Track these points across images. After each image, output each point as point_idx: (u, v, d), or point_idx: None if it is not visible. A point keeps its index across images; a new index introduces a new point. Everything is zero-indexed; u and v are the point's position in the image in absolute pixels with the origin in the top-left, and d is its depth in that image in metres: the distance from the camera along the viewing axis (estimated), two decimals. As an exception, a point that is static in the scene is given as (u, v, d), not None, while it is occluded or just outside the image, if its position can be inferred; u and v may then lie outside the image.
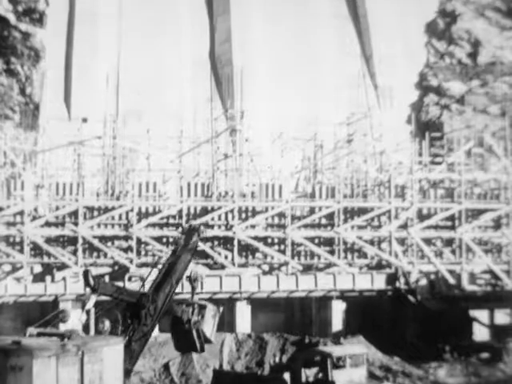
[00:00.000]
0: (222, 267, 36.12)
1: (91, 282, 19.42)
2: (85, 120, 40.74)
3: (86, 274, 19.42)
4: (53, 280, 34.04)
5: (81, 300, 32.16)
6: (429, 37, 53.55)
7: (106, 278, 33.62)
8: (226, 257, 36.50)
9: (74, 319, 22.55)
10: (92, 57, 44.53)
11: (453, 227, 38.52)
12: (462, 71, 50.84)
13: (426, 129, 46.59)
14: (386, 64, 50.57)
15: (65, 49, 44.49)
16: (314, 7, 51.72)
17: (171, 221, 36.36)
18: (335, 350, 26.44)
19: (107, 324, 20.22)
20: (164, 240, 36.38)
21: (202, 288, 34.83)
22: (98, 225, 35.04)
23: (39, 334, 18.45)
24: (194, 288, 22.51)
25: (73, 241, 34.89)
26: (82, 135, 39.05)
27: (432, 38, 53.36)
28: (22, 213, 34.08)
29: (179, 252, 21.86)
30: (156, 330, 26.92)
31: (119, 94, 44.00)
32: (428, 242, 38.12)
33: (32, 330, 18.68)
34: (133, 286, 32.41)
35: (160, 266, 22.28)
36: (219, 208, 36.35)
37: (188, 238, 22.08)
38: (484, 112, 47.57)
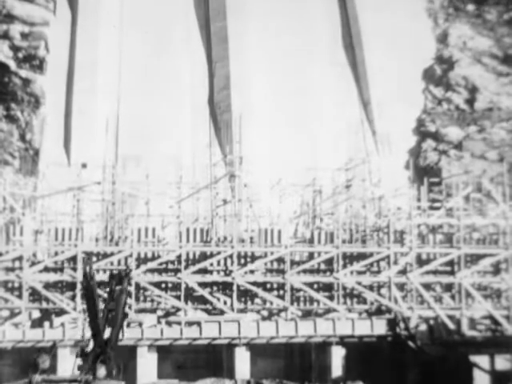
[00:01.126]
0: (221, 313, 36.02)
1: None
2: (84, 166, 40.90)
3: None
4: (51, 326, 33.91)
5: (79, 346, 31.95)
6: (426, 83, 53.92)
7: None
8: (225, 302, 36.42)
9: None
10: (92, 103, 44.79)
11: (452, 272, 38.46)
12: (460, 117, 51.14)
13: (425, 174, 46.69)
14: (384, 110, 50.79)
15: (65, 95, 44.72)
16: (312, 55, 52.13)
17: (170, 266, 36.35)
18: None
19: (103, 370, 20.22)
20: (163, 285, 36.31)
21: (200, 334, 34.88)
22: (97, 270, 34.98)
23: (44, 381, 18.34)
24: None
25: (71, 286, 34.83)
26: (81, 181, 39.19)
27: (429, 85, 53.73)
28: (20, 258, 34.08)
29: (116, 298, 22.19)
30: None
31: (118, 139, 44.15)
32: (427, 287, 38.04)
33: (38, 377, 18.56)
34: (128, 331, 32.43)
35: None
36: (218, 253, 36.35)
37: (120, 283, 22.52)
38: (482, 157, 47.75)
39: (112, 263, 35.40)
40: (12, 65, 44.60)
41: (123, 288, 23.20)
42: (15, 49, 45.22)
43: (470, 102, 52.18)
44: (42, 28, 46.13)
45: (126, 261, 35.41)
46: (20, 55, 45.08)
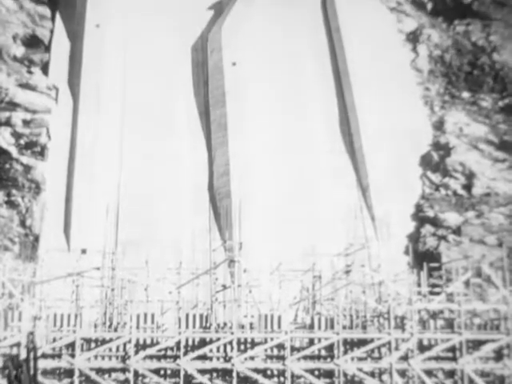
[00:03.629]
0: (221, 400, 35.54)
1: None
2: (84, 251, 40.96)
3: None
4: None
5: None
6: (424, 169, 54.39)
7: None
8: (224, 389, 35.97)
9: None
10: (92, 189, 45.03)
11: (454, 358, 38.04)
12: (458, 202, 51.40)
13: (424, 259, 46.58)
14: (383, 196, 51.06)
15: (65, 181, 45.02)
16: (310, 141, 52.73)
17: (169, 352, 35.97)
18: None
19: None
20: (162, 372, 35.89)
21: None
22: (95, 356, 34.61)
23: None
24: None
25: (69, 373, 34.41)
26: (80, 266, 39.14)
27: (427, 170, 54.19)
28: (18, 344, 33.76)
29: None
30: None
31: (118, 224, 44.27)
32: (429, 373, 37.56)
33: None
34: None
35: None
36: (218, 339, 36.00)
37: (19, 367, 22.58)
38: (481, 242, 47.80)
39: (110, 349, 35.07)
40: (14, 151, 45.07)
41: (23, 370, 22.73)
42: (17, 135, 45.77)
43: (468, 187, 52.54)
44: (44, 115, 46.76)
45: (124, 347, 35.09)
46: (22, 142, 45.60)
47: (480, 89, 61.17)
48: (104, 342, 35.11)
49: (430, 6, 69.06)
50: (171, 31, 54.98)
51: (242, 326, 37.31)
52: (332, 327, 37.69)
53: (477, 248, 47.99)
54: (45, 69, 48.89)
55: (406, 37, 64.88)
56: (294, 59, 56.45)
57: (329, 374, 37.17)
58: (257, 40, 55.44)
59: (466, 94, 60.82)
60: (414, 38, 64.92)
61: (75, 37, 50.80)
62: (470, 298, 40.64)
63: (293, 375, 36.18)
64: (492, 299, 41.15)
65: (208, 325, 36.90)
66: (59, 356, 34.67)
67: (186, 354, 35.55)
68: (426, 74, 62.34)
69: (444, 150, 55.17)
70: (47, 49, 50.25)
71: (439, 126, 57.47)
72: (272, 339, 36.32)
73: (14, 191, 42.84)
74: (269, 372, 36.71)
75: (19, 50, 49.47)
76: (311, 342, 37.37)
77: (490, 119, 57.81)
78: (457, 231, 49.27)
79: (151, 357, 35.50)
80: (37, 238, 41.41)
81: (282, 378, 36.44)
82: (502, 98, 59.77)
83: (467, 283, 40.50)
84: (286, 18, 58.48)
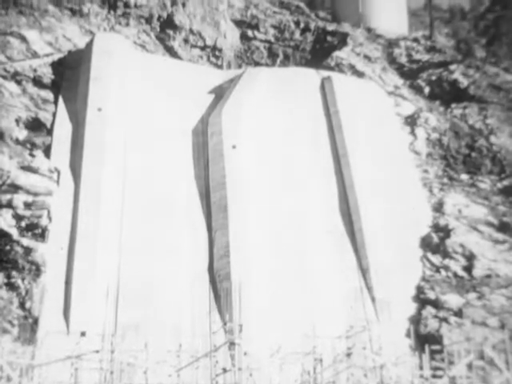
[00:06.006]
0: None
1: None
2: (83, 334, 40.67)
3: None
4: None
5: None
6: (424, 250, 54.46)
7: None
8: None
9: None
10: (92, 271, 45.02)
11: None
12: (459, 284, 51.32)
13: (426, 342, 46.30)
14: (383, 277, 50.99)
15: (66, 263, 45.05)
16: (310, 224, 52.97)
17: None
18: None
19: None
20: None
21: None
22: None
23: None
24: None
25: None
26: (80, 349, 38.85)
27: (427, 252, 54.25)
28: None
29: None
30: None
31: (118, 307, 44.09)
32: None
33: None
34: None
35: None
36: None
37: None
38: (483, 324, 47.55)
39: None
40: (14, 233, 45.17)
41: None
42: (18, 217, 45.91)
43: (468, 269, 52.51)
44: (45, 197, 46.99)
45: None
46: (23, 224, 45.72)
47: (478, 171, 61.73)
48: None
49: (427, 90, 70.27)
50: (172, 114, 55.78)
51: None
52: (334, 410, 37.29)
53: (479, 330, 47.69)
54: (47, 152, 49.39)
55: (404, 120, 65.78)
56: (293, 141, 57.12)
57: None
58: (256, 123, 56.20)
59: (464, 176, 61.32)
60: (411, 121, 65.82)
61: (77, 120, 51.47)
62: (473, 381, 40.27)
63: None
64: (495, 382, 40.81)
65: (208, 409, 36.48)
66: None
67: None
68: (424, 156, 62.98)
69: (444, 231, 55.32)
70: (49, 132, 50.87)
71: (438, 207, 57.75)
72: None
73: (13, 273, 42.82)
74: None
75: (22, 133, 50.08)
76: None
77: (489, 201, 58.15)
78: (458, 313, 49.03)
79: None
80: (36, 321, 41.22)
81: None
82: (501, 179, 60.26)
83: (470, 366, 40.19)
84: (285, 103, 59.37)
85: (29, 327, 41.72)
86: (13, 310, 42.06)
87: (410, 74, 73.20)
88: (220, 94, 59.63)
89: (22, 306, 42.48)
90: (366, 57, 74.21)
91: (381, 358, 43.13)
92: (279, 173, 54.17)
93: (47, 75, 55.23)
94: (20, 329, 41.63)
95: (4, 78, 53.43)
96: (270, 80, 60.55)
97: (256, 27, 78.43)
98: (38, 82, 54.69)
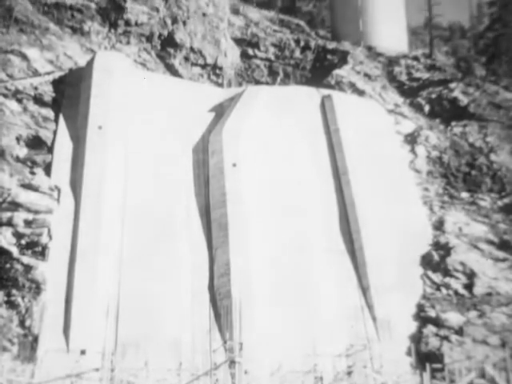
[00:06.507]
0: None
1: None
2: (83, 352, 40.62)
3: None
4: None
5: None
6: (424, 268, 54.40)
7: None
8: None
9: None
10: (92, 290, 44.99)
11: None
12: (459, 302, 51.23)
13: (427, 360, 46.22)
14: (384, 296, 50.91)
15: (66, 281, 45.01)
16: (310, 242, 52.95)
17: None
18: None
19: None
20: None
21: None
22: None
23: None
24: None
25: None
26: (80, 367, 38.77)
27: (428, 270, 54.19)
28: None
29: None
30: None
31: (118, 325, 44.01)
32: None
33: None
34: None
35: None
36: None
37: None
38: (484, 343, 47.46)
39: None
40: (14, 251, 45.16)
41: None
42: (18, 235, 45.90)
43: (469, 287, 52.44)
44: (46, 215, 46.99)
45: None
46: (23, 242, 45.71)
47: (479, 189, 61.76)
48: None
49: (427, 108, 70.46)
50: (172, 132, 55.85)
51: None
52: (334, 430, 37.18)
53: (480, 348, 47.58)
54: (47, 169, 49.43)
55: (404, 138, 65.90)
56: (293, 159, 57.16)
57: None
58: (257, 141, 56.26)
59: (464, 194, 61.35)
60: (412, 139, 65.94)
61: (78, 138, 51.56)
62: (475, 399, 40.16)
63: None
64: (497, 400, 40.70)
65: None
66: None
67: None
68: (424, 174, 63.04)
69: (444, 249, 55.29)
70: (50, 150, 50.92)
71: (439, 225, 57.74)
72: None
73: (14, 291, 42.76)
74: None
75: (22, 151, 50.14)
76: None
77: (489, 219, 58.14)
78: (459, 331, 48.93)
79: None
80: (36, 339, 41.14)
81: None
82: (501, 197, 60.28)
83: (471, 384, 40.08)
84: (285, 121, 59.48)
85: (29, 345, 41.62)
86: (13, 328, 41.98)
87: (410, 92, 73.42)
88: (221, 112, 59.75)
89: (21, 324, 42.40)
90: (367, 75, 74.43)
91: (382, 376, 43.07)
92: (279, 191, 54.19)
93: (48, 93, 55.32)
94: (20, 347, 41.53)
95: (5, 96, 53.53)
96: (270, 98, 60.65)
97: (256, 45, 78.70)
98: (38, 100, 54.79)
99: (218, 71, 73.76)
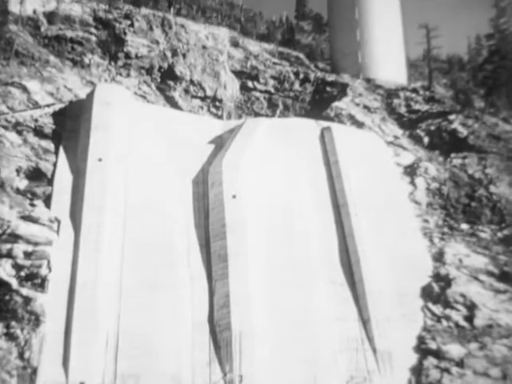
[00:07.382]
0: None
1: None
2: (82, 385, 40.49)
3: None
4: None
5: None
6: (425, 300, 54.27)
7: None
8: None
9: None
10: (92, 322, 44.80)
11: None
12: (460, 334, 51.06)
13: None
14: (384, 328, 50.76)
15: (65, 313, 44.88)
16: (310, 274, 52.91)
17: None
18: None
19: None
20: None
21: None
22: None
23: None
24: None
25: None
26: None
27: (428, 302, 54.06)
28: None
29: None
30: None
31: (118, 358, 43.82)
32: None
33: None
34: None
35: None
36: None
37: None
38: (485, 375, 47.25)
39: None
40: (14, 283, 45.08)
41: None
42: (18, 267, 45.85)
43: (470, 318, 52.29)
44: (45, 247, 46.97)
45: None
46: (22, 273, 45.65)
47: (478, 220, 61.79)
48: None
49: (426, 140, 70.78)
50: (172, 164, 55.99)
51: None
52: None
53: (481, 381, 47.35)
54: (47, 201, 49.49)
55: (403, 170, 66.07)
56: (293, 191, 57.26)
57: None
58: (257, 173, 56.38)
59: (464, 226, 61.36)
60: (411, 171, 66.13)
61: (78, 170, 51.65)
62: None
63: None
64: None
65: None
66: None
67: None
68: (424, 206, 63.10)
69: (444, 281, 55.21)
70: (50, 182, 51.02)
71: (439, 257, 57.70)
72: None
73: (13, 323, 42.62)
74: None
75: (22, 183, 50.23)
76: None
77: (489, 250, 58.10)
78: (460, 363, 48.72)
79: None
80: (35, 371, 40.96)
81: None
82: (501, 229, 60.29)
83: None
84: (285, 153, 59.69)
85: (28, 377, 41.43)
86: (11, 360, 41.79)
87: (409, 124, 73.77)
88: (220, 144, 59.98)
89: (20, 356, 42.22)
90: (366, 107, 74.82)
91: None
92: (279, 222, 54.24)
93: (48, 125, 55.54)
94: (19, 379, 41.33)
95: (5, 128, 53.74)
96: (269, 130, 60.91)
97: (256, 78, 79.19)
98: (38, 132, 55.01)
99: (217, 103, 74.16)
